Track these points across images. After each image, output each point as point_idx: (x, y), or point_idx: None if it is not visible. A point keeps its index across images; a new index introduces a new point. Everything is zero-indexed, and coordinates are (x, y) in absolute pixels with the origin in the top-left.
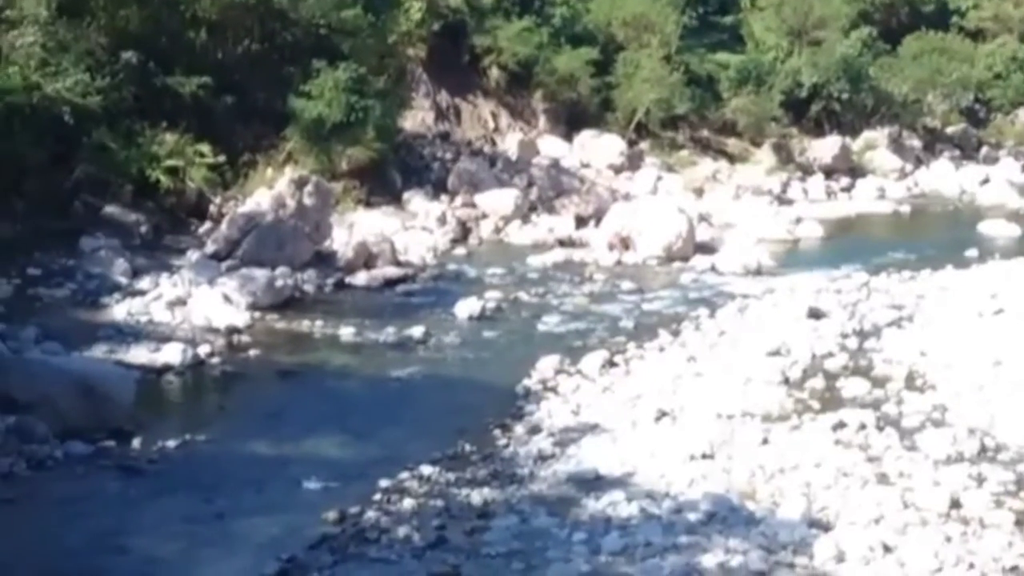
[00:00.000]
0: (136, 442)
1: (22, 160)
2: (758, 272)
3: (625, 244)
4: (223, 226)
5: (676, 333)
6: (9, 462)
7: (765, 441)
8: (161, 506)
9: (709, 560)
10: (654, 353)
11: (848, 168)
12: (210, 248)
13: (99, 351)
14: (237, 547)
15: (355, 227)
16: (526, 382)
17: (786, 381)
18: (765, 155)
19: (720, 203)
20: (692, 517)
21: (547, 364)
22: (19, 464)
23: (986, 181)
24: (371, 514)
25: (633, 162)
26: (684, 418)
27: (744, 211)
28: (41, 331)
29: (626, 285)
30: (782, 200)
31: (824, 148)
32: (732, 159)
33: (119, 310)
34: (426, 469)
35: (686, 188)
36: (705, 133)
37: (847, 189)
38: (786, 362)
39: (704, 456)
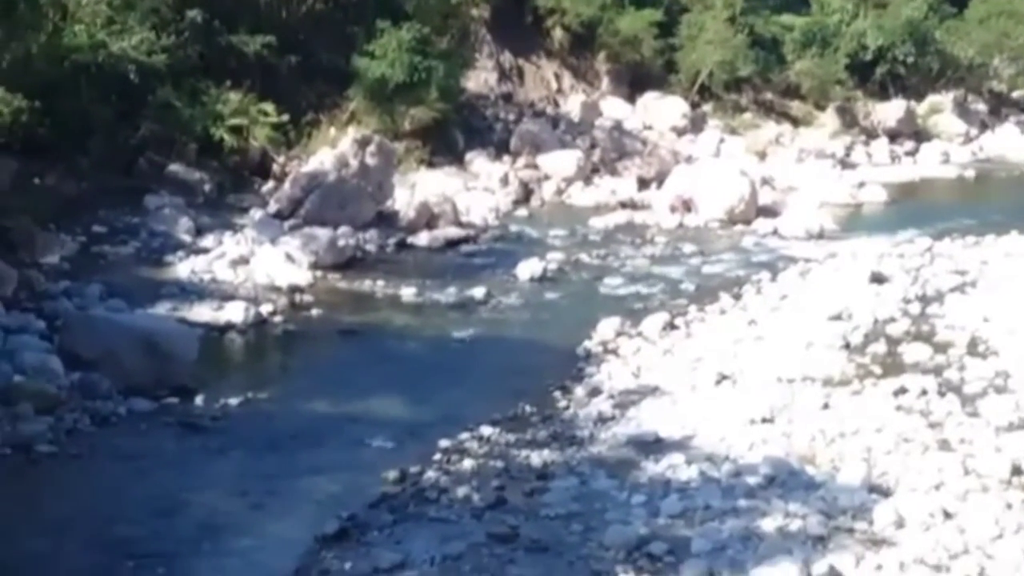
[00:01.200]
0: (199, 399)
1: (87, 118)
2: (820, 236)
3: (687, 207)
4: (286, 185)
5: (737, 296)
6: (73, 418)
7: (826, 406)
8: (223, 463)
9: (768, 524)
10: (715, 316)
11: (913, 132)
12: (273, 207)
13: (163, 309)
14: (298, 505)
15: (417, 187)
16: (587, 344)
17: (847, 346)
18: (829, 118)
19: (783, 166)
20: (751, 481)
21: (608, 326)
22: (83, 420)
23: None
24: (431, 474)
25: (696, 124)
26: (744, 382)
27: (807, 175)
28: (106, 288)
29: (688, 248)
30: (845, 164)
31: (889, 112)
32: (796, 122)
33: (183, 268)
34: (486, 430)
35: (749, 151)
36: (769, 96)
37: (911, 153)
38: (848, 327)
39: (764, 420)
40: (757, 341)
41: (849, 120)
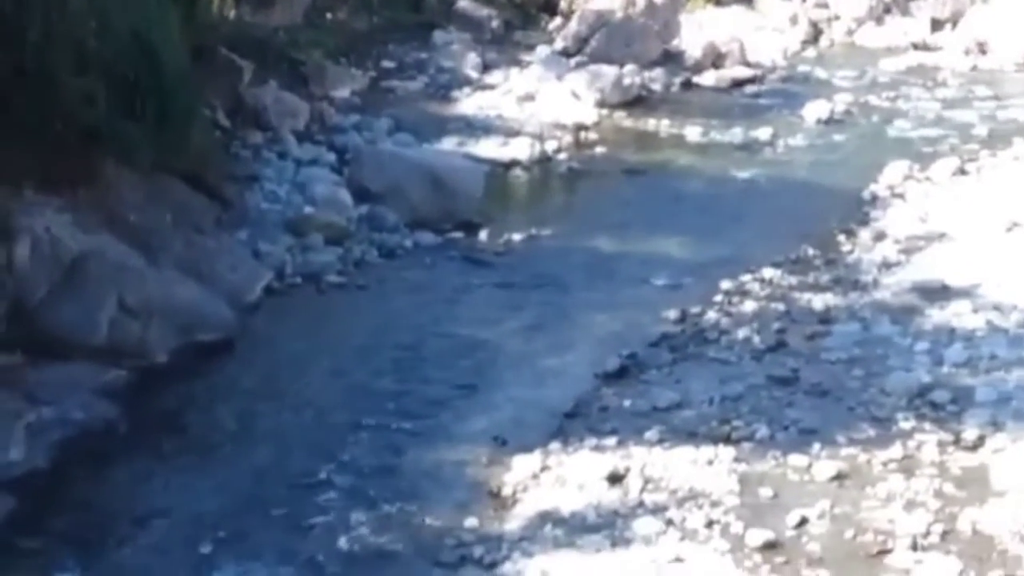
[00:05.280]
0: (483, 235)
1: None
2: None
3: (982, 49)
4: (572, 22)
5: None
6: (361, 249)
7: None
8: (505, 298)
9: None
10: (1008, 162)
11: None
12: (559, 44)
13: (449, 144)
14: (578, 342)
15: (704, 26)
16: (873, 187)
17: None
18: None
19: None
20: None
21: (895, 170)
22: (371, 252)
23: None
24: (712, 315)
25: None
26: None
27: None
28: (394, 123)
29: (981, 91)
30: None
31: None
32: None
33: (469, 104)
34: (768, 272)
35: None
36: None
37: None
38: None
39: None
40: None
41: None
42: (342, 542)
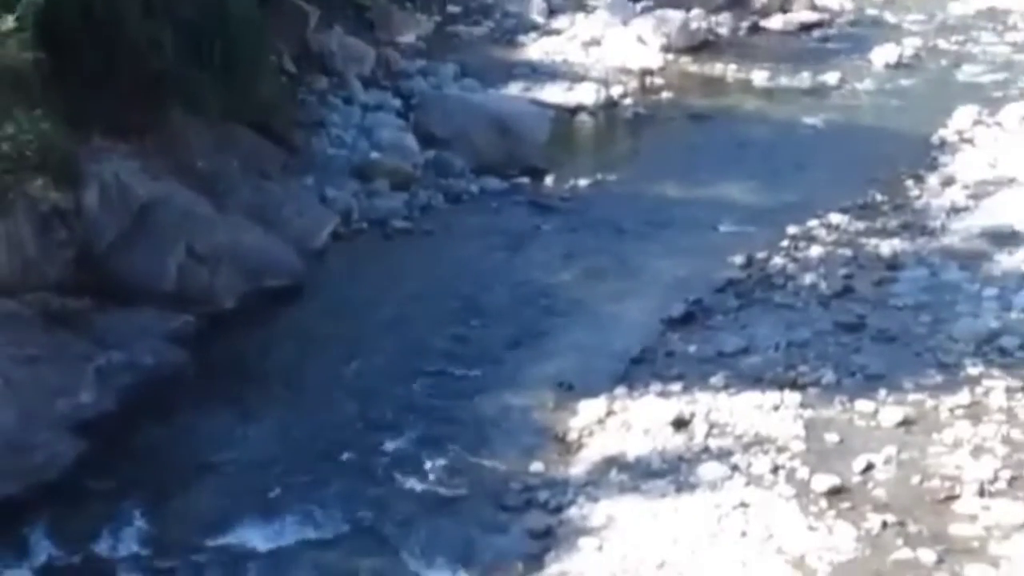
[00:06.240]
0: (548, 180)
1: None
2: None
3: None
4: None
5: None
6: (427, 195)
7: None
8: (571, 243)
9: None
10: None
11: None
12: None
13: (514, 89)
14: (644, 287)
15: None
16: (941, 132)
17: None
18: None
19: None
20: None
21: (964, 114)
22: (437, 197)
23: None
24: (778, 260)
25: None
26: None
27: None
28: (459, 68)
29: None
30: None
31: None
32: None
33: (534, 49)
34: (835, 217)
35: None
36: None
37: None
38: None
39: None
40: None
41: None
42: (408, 487)
